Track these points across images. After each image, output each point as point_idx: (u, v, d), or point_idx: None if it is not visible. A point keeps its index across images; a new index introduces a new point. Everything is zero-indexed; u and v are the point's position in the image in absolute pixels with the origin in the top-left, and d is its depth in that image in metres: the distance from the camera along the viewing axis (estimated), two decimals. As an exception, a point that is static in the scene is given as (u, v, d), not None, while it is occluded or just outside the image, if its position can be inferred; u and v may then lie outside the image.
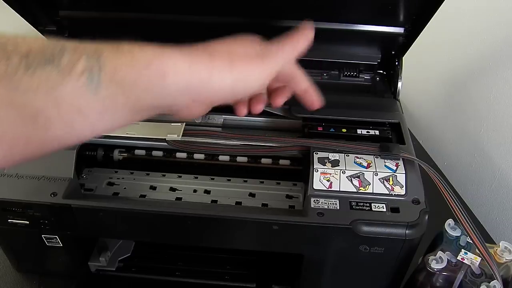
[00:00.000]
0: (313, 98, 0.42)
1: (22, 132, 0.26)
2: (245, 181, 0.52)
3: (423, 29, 0.51)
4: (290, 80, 0.40)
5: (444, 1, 0.45)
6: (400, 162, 0.46)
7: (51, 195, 0.43)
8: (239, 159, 0.52)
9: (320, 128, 0.51)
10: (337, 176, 0.45)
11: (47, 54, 0.26)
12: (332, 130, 0.51)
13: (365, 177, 0.45)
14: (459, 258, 0.43)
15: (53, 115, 0.27)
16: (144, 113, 0.30)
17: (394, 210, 0.43)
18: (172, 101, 0.31)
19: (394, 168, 0.45)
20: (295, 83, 0.41)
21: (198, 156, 0.53)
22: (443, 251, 0.45)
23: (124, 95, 0.28)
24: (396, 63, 0.58)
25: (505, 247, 0.45)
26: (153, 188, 0.51)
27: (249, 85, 0.34)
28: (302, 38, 0.38)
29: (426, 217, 0.43)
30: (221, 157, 0.52)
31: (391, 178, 0.45)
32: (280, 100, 0.41)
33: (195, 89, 0.31)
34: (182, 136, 0.49)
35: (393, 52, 0.58)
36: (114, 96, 0.28)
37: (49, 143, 0.28)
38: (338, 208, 0.43)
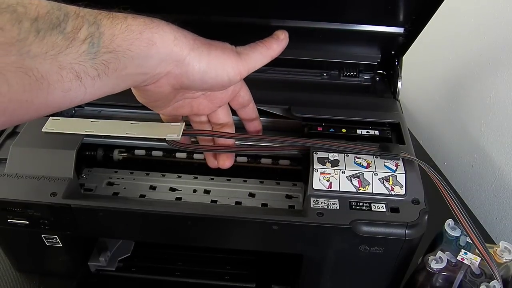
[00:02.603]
0: (257, 127, 0.48)
1: (27, 96, 0.28)
2: (245, 181, 0.52)
3: (423, 29, 0.51)
4: (242, 108, 0.45)
5: (444, 1, 0.45)
6: (400, 162, 0.46)
7: (51, 195, 0.43)
8: (238, 159, 0.52)
9: (320, 128, 0.51)
10: (336, 176, 0.45)
11: (53, 18, 0.28)
12: (332, 130, 0.51)
13: (364, 177, 0.45)
14: (459, 258, 0.43)
15: (55, 80, 0.28)
16: (126, 81, 0.33)
17: (393, 210, 0.43)
18: (152, 71, 0.33)
19: (394, 168, 0.45)
20: (246, 112, 0.46)
21: (198, 156, 0.53)
22: (443, 251, 0.45)
23: (116, 60, 0.30)
24: (396, 63, 0.58)
25: (505, 247, 0.44)
26: (153, 188, 0.51)
27: (220, 75, 0.36)
28: (275, 42, 0.40)
29: (426, 217, 0.43)
30: (221, 157, 0.52)
31: (391, 178, 0.45)
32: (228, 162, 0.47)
33: (174, 61, 0.34)
34: (182, 136, 0.49)
35: (393, 52, 0.58)
36: (107, 62, 0.30)
37: (47, 107, 0.29)
38: (337, 208, 0.43)
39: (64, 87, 0.29)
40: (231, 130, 0.46)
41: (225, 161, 0.46)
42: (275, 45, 0.39)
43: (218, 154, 0.46)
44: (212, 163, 0.47)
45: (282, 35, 0.40)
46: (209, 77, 0.36)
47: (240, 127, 0.55)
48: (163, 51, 0.33)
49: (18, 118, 0.29)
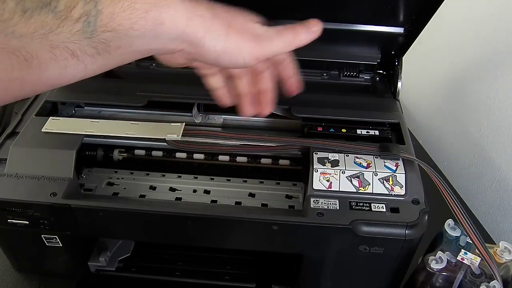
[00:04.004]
0: (295, 85, 0.42)
1: (17, 75, 0.27)
2: (245, 181, 0.52)
3: (423, 29, 0.51)
4: (278, 64, 0.41)
5: (444, 1, 0.45)
6: (400, 162, 0.46)
7: (50, 195, 0.43)
8: (238, 159, 0.53)
9: (320, 128, 0.51)
10: (336, 176, 0.45)
11: None
12: (332, 130, 0.51)
13: (364, 177, 0.45)
14: (459, 258, 0.43)
15: (47, 58, 0.27)
16: (134, 56, 0.31)
17: (393, 210, 0.43)
18: (162, 48, 0.32)
19: (394, 168, 0.45)
20: (283, 68, 0.41)
21: (198, 156, 0.53)
22: (443, 251, 0.45)
23: (118, 39, 0.29)
24: (396, 63, 0.58)
25: (505, 247, 0.44)
26: (153, 188, 0.51)
27: (235, 59, 0.34)
28: (305, 32, 0.37)
29: (426, 217, 0.43)
30: (220, 157, 0.52)
31: (391, 178, 0.45)
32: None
33: (186, 41, 0.32)
34: (182, 136, 0.49)
35: (393, 52, 0.58)
36: (108, 41, 0.28)
37: (43, 83, 0.29)
38: (337, 208, 0.43)
39: (60, 65, 0.28)
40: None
41: (266, 107, 0.42)
42: (304, 35, 0.37)
43: (258, 99, 0.42)
44: (247, 111, 0.42)
45: (315, 27, 0.37)
46: (223, 59, 0.34)
47: (239, 127, 0.55)
48: (173, 31, 0.31)
49: (13, 95, 0.28)
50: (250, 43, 0.34)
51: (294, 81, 0.42)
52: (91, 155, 0.53)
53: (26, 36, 0.26)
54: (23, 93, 0.29)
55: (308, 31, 0.37)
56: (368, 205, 0.43)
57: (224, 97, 0.42)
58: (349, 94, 0.59)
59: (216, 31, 0.33)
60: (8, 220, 0.45)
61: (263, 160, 0.53)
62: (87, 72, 0.30)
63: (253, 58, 0.35)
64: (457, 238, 0.46)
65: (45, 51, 0.27)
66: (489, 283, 0.42)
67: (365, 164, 0.45)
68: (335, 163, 0.45)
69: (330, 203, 0.43)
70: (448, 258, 0.44)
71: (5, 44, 0.26)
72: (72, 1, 0.27)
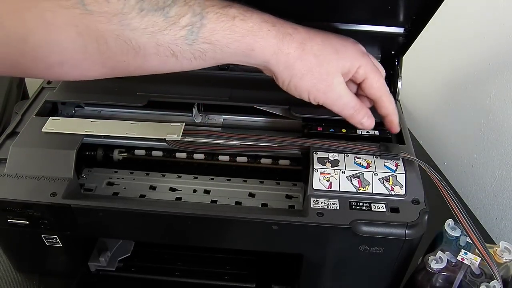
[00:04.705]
0: (391, 125, 0.45)
1: (125, 58, 0.33)
2: (245, 181, 0.52)
3: (423, 29, 0.51)
4: (374, 100, 0.44)
5: (444, 1, 0.45)
6: (400, 162, 0.46)
7: (50, 195, 0.43)
8: (238, 159, 0.53)
9: (319, 128, 0.51)
10: (336, 176, 0.45)
11: (159, 2, 0.31)
12: (331, 130, 0.51)
13: (364, 177, 0.45)
14: (459, 258, 0.43)
15: (151, 52, 0.32)
16: (225, 62, 0.36)
17: (393, 210, 0.43)
18: (249, 64, 0.37)
19: (394, 168, 0.45)
20: (377, 106, 0.44)
21: (198, 156, 0.53)
22: (443, 251, 0.45)
23: (213, 52, 0.34)
24: (396, 63, 0.58)
25: (505, 247, 0.44)
26: (153, 188, 0.51)
27: (302, 94, 0.40)
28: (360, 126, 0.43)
29: (426, 217, 0.43)
30: (221, 157, 0.52)
31: (390, 178, 0.45)
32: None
33: (268, 69, 0.38)
34: (182, 136, 0.49)
35: (393, 52, 0.58)
36: (205, 51, 0.34)
37: (144, 70, 0.35)
38: (337, 208, 0.43)
39: (161, 60, 0.33)
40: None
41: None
42: (357, 124, 0.43)
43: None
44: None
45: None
46: (291, 91, 0.40)
47: (239, 127, 0.55)
48: (260, 58, 0.36)
49: (118, 72, 0.34)
50: (319, 92, 0.39)
51: (388, 121, 0.44)
52: (91, 155, 0.53)
53: (138, 30, 0.31)
54: (127, 73, 0.34)
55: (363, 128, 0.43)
56: (368, 205, 0.43)
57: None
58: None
59: (294, 71, 0.37)
60: (8, 220, 0.45)
61: (263, 160, 0.53)
62: (183, 68, 0.35)
63: (315, 101, 0.40)
64: (457, 238, 0.46)
65: (151, 46, 0.32)
66: (489, 283, 0.42)
67: (365, 164, 0.45)
68: (335, 163, 0.45)
69: (330, 203, 0.43)
70: (448, 258, 0.44)
71: (120, 32, 0.31)
72: (182, 11, 0.32)
